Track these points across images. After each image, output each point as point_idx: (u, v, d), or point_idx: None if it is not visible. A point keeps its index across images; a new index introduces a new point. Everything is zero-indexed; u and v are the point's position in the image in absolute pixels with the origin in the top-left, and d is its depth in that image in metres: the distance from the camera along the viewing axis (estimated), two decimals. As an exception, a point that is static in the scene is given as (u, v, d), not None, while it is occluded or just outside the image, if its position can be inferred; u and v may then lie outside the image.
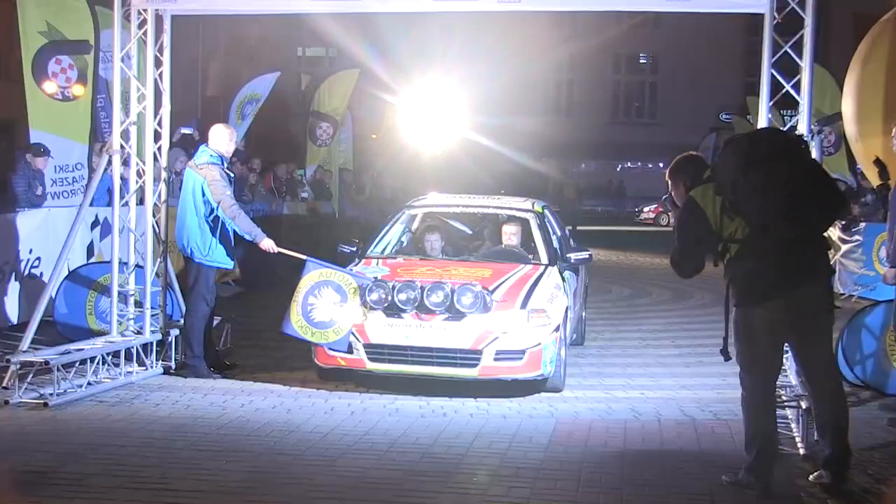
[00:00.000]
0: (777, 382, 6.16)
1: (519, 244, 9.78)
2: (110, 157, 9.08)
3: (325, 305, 8.29)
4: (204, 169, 8.70)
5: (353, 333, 8.23)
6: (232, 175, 8.85)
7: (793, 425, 7.18)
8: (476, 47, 35.13)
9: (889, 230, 7.82)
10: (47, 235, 10.84)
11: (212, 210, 8.68)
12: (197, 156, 8.84)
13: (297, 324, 8.32)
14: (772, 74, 8.13)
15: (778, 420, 6.10)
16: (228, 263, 8.90)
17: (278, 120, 20.74)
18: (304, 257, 8.64)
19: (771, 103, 8.16)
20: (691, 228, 5.87)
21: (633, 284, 17.85)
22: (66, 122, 11.74)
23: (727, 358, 5.95)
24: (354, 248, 9.56)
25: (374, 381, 8.57)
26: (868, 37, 12.06)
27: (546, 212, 10.36)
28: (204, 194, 8.67)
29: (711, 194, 5.82)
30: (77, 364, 8.15)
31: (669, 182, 6.23)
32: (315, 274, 8.42)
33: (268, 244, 8.75)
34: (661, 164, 49.51)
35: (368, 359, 8.26)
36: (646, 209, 42.40)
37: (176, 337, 9.14)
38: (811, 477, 6.02)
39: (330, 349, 8.30)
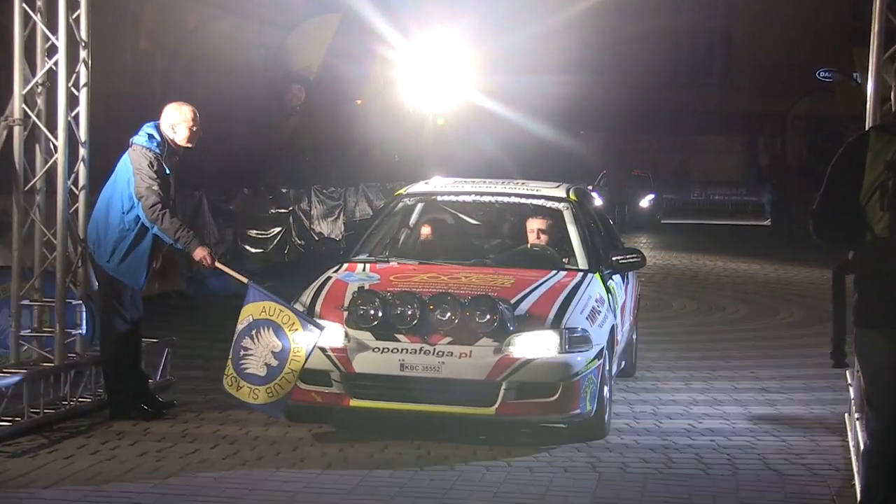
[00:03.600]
0: None
1: (549, 244, 9.76)
2: (11, 128, 9.05)
3: (261, 353, 8.15)
4: (136, 151, 8.65)
5: (331, 360, 8.20)
6: (167, 171, 8.74)
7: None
8: (495, -15, 35.08)
9: None
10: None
11: (133, 206, 8.63)
12: (137, 134, 8.79)
13: (227, 373, 8.22)
14: (886, 18, 8.08)
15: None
16: (135, 282, 8.80)
17: (234, 83, 20.70)
18: (245, 280, 8.54)
19: (885, 56, 8.11)
20: (841, 173, 5.58)
21: (699, 297, 17.83)
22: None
23: (839, 364, 5.84)
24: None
25: (360, 423, 8.55)
26: None
27: (584, 201, 10.31)
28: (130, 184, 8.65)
29: (892, 152, 5.48)
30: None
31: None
32: (256, 307, 8.23)
33: (203, 255, 8.69)
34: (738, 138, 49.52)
35: (352, 394, 8.23)
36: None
37: (97, 365, 9.11)
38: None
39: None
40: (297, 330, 8.07)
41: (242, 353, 8.14)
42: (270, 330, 8.11)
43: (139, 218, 8.62)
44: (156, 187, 8.53)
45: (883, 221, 5.48)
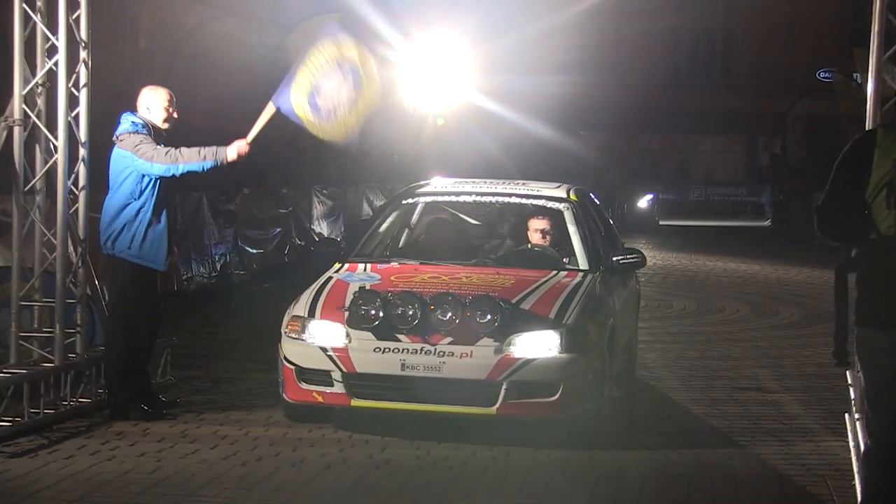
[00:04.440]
0: None
1: (550, 244, 9.76)
2: (11, 128, 9.05)
3: (337, 88, 8.41)
4: (125, 140, 8.72)
5: (332, 360, 8.21)
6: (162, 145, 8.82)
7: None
8: (495, -13, 35.05)
9: None
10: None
11: (142, 191, 8.69)
12: (119, 126, 8.85)
13: (296, 101, 8.40)
14: (886, 18, 8.07)
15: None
16: (158, 264, 8.85)
17: (234, 83, 20.71)
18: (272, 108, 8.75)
19: (885, 56, 8.11)
20: (847, 170, 5.58)
21: (699, 297, 17.82)
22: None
23: (841, 364, 5.83)
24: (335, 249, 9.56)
25: (359, 423, 8.55)
26: None
27: (585, 201, 10.32)
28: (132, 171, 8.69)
29: None
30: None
31: None
32: (331, 49, 8.55)
33: (235, 153, 8.78)
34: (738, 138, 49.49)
35: (353, 394, 8.24)
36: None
37: (97, 365, 9.11)
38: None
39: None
40: (372, 72, 8.77)
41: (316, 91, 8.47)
42: (351, 75, 8.55)
43: (152, 198, 8.72)
44: (159, 147, 8.64)
45: (888, 220, 5.48)
